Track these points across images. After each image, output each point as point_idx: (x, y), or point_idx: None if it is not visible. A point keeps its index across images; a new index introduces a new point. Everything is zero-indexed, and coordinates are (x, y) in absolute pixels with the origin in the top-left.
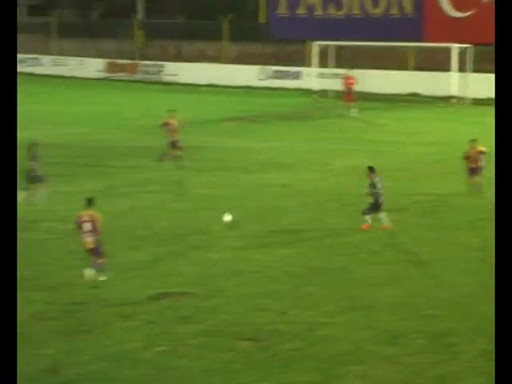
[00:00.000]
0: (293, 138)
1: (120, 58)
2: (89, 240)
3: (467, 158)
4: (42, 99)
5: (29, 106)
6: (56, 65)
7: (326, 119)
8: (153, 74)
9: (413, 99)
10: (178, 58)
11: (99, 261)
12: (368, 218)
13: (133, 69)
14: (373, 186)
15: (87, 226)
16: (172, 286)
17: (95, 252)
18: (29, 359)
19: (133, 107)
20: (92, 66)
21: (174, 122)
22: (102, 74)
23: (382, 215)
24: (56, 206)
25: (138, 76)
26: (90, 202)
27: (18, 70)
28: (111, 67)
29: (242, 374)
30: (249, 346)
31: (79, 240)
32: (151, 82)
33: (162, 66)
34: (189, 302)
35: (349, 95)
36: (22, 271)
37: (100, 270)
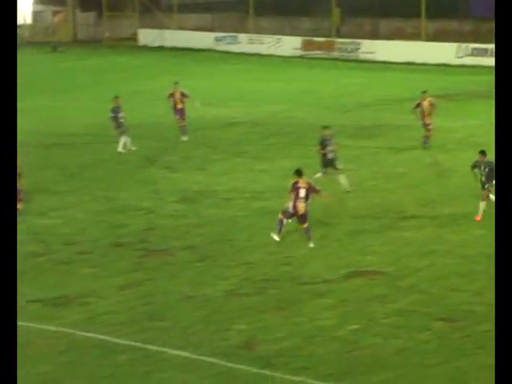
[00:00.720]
0: (491, 117)
1: (316, 35)
2: (302, 205)
3: None
4: (238, 77)
5: (224, 84)
6: (252, 43)
7: None
8: (349, 52)
9: None
10: (375, 35)
11: (306, 226)
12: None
13: (329, 46)
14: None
15: (302, 193)
16: (365, 264)
17: (303, 218)
18: (224, 335)
19: (328, 85)
20: (288, 44)
21: (426, 104)
22: (299, 52)
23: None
24: (251, 184)
25: (335, 54)
26: (299, 173)
27: (216, 48)
28: (307, 45)
29: (436, 354)
30: (443, 326)
31: (291, 203)
32: (347, 60)
33: (358, 44)
34: (382, 281)
35: None
36: (216, 248)
37: (309, 236)
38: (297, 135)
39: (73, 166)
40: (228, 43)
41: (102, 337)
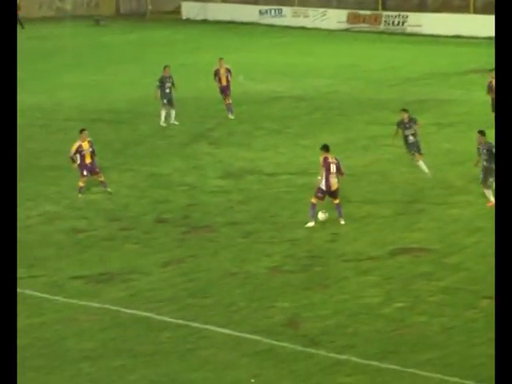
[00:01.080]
0: None
1: (362, 8)
2: (334, 181)
3: None
4: (283, 51)
5: (268, 58)
6: (297, 16)
7: None
8: (395, 25)
9: None
10: (422, 8)
11: (337, 202)
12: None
13: (375, 20)
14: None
15: (334, 168)
16: (411, 241)
17: (335, 194)
18: (267, 312)
19: (374, 59)
20: (334, 17)
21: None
22: (344, 25)
23: None
24: (295, 160)
25: (381, 27)
26: (326, 148)
27: (260, 21)
28: (353, 18)
29: (483, 332)
30: (490, 304)
31: (323, 180)
32: (393, 34)
33: (404, 17)
34: (429, 259)
35: None
36: (259, 224)
37: (340, 213)
38: (341, 110)
39: (116, 141)
40: (272, 16)
41: (144, 314)
